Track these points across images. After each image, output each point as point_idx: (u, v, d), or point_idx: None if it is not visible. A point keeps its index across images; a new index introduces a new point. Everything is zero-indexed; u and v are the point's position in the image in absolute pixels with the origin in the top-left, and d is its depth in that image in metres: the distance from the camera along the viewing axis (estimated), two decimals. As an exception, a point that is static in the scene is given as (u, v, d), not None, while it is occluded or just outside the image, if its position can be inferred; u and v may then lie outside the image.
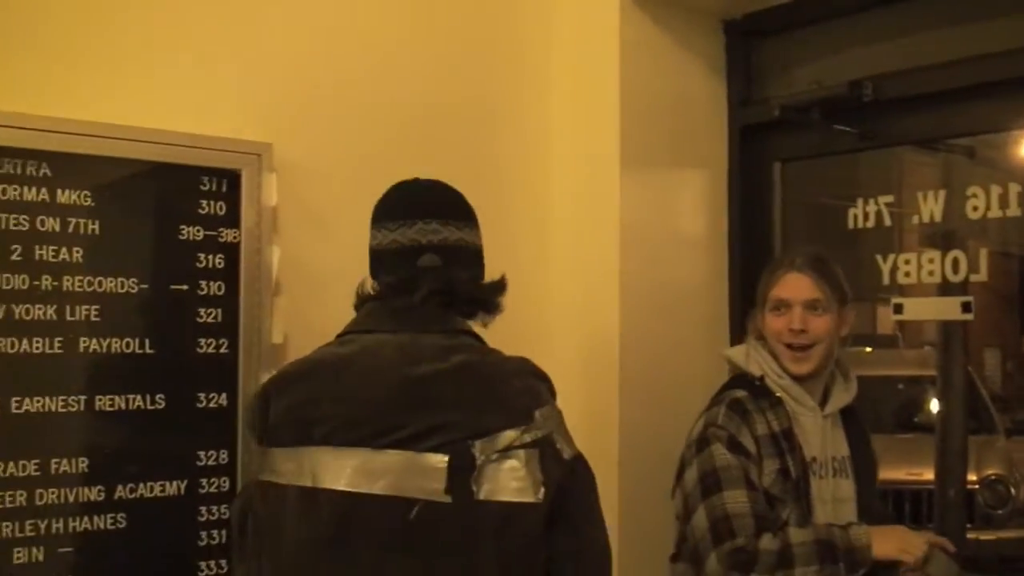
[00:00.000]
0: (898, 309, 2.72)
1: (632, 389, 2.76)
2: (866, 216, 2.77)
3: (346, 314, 2.14)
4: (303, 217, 2.44)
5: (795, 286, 2.36)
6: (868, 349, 9.89)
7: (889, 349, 10.39)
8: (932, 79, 2.62)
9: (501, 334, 2.01)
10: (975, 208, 2.56)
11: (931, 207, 2.66)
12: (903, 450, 6.95)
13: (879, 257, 2.73)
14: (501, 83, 2.89)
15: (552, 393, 1.91)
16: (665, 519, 2.47)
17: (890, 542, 2.21)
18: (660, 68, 2.88)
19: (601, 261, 2.80)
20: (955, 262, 2.59)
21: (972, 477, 6.50)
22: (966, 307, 2.60)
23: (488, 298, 1.98)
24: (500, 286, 1.99)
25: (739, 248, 3.00)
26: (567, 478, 1.85)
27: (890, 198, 2.74)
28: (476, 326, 1.98)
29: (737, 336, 2.93)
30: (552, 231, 2.93)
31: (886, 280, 2.71)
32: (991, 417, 7.84)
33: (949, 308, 2.64)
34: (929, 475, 6.16)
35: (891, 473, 6.62)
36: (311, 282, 2.44)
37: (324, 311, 2.37)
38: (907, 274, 2.68)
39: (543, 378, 1.92)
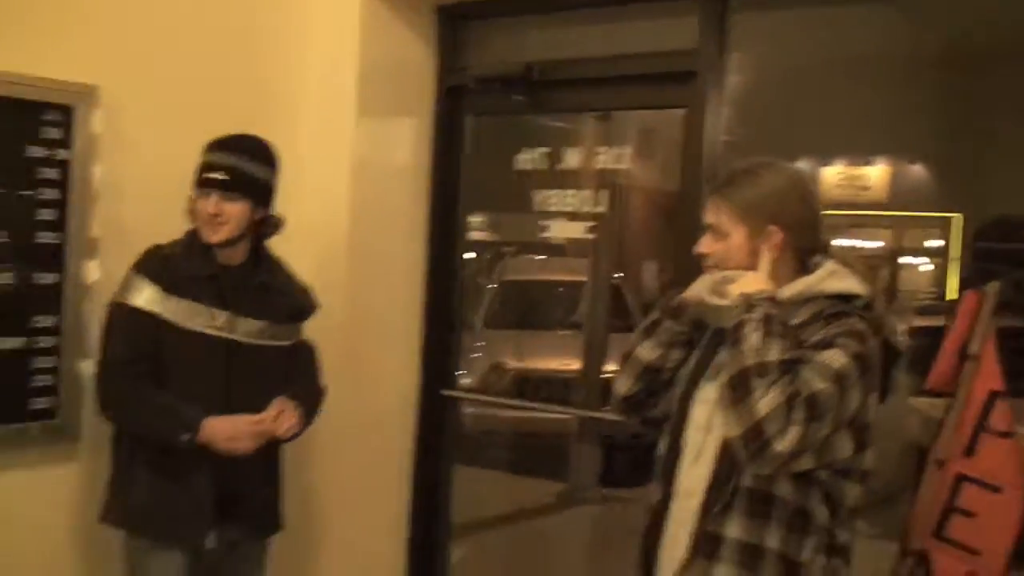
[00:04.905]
0: (544, 229, 3.80)
1: (358, 275, 3.68)
2: (529, 161, 3.77)
3: (151, 217, 2.93)
4: (120, 142, 3.12)
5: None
6: (540, 257, 11.12)
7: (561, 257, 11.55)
8: (583, 68, 3.58)
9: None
10: (602, 161, 3.63)
11: (572, 158, 3.70)
12: (561, 344, 7.96)
13: (536, 191, 3.75)
14: (273, 54, 3.61)
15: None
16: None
17: None
18: (389, 41, 3.70)
19: (336, 185, 3.64)
20: (584, 198, 3.68)
21: (611, 367, 7.66)
22: (591, 229, 3.71)
23: None
24: None
25: (439, 177, 3.88)
26: None
27: (547, 149, 3.73)
28: None
29: (432, 239, 3.89)
30: (301, 165, 3.56)
31: (538, 208, 3.73)
32: (631, 318, 9.17)
33: (578, 229, 3.75)
34: (578, 365, 7.09)
35: (549, 363, 7.79)
36: (124, 192, 3.14)
37: (133, 213, 3.16)
38: (553, 204, 3.72)
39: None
